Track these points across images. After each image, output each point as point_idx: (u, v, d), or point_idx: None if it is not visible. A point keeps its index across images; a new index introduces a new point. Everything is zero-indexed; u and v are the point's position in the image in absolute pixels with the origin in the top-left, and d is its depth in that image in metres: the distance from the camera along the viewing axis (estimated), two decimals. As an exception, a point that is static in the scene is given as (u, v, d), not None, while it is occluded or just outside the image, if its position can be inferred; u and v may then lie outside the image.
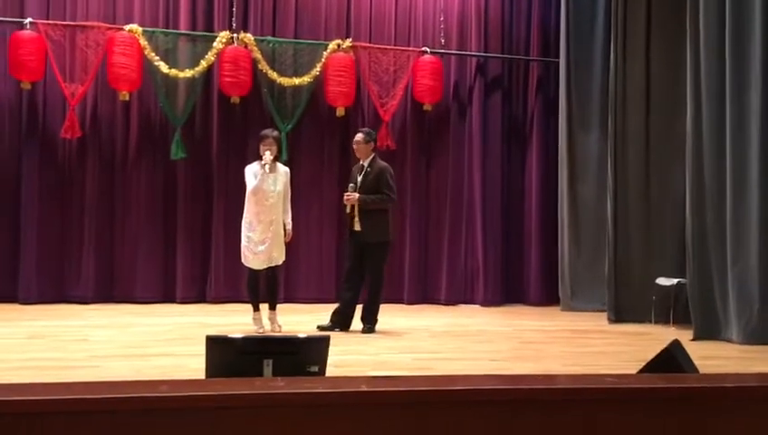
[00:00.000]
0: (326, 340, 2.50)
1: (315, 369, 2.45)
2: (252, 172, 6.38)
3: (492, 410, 1.87)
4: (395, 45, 9.06)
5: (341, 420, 1.81)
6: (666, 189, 7.87)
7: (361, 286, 6.59)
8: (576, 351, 5.98)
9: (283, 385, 1.93)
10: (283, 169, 6.50)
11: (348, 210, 6.51)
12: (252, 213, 6.33)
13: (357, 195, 6.44)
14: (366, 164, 6.59)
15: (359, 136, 6.67)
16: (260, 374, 2.38)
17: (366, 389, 1.87)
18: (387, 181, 6.52)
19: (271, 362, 2.39)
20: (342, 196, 6.64)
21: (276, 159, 6.41)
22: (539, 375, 2.17)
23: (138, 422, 1.72)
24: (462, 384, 1.97)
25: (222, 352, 2.45)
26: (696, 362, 2.57)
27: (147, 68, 8.20)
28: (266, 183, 6.30)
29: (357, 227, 6.48)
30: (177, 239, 8.47)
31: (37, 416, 1.67)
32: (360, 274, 6.55)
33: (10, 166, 8.15)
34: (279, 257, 6.41)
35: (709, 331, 6.64)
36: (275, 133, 6.59)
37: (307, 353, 2.47)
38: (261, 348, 2.46)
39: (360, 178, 6.55)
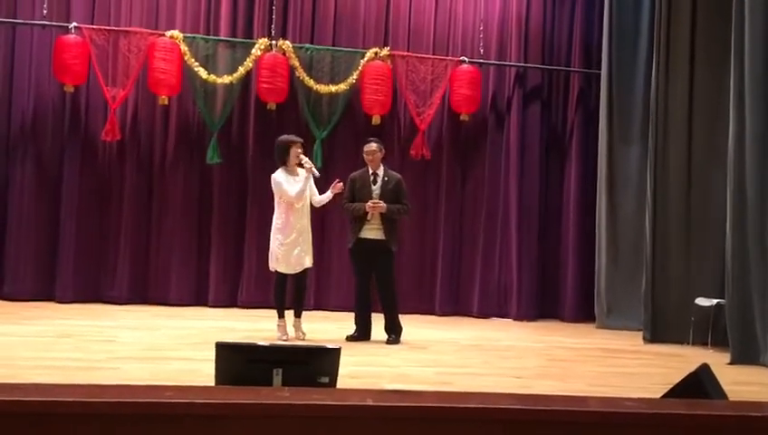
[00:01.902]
0: (337, 351, 2.46)
1: (326, 380, 2.41)
2: (285, 179, 6.38)
3: (504, 430, 1.80)
4: (433, 54, 9.01)
5: (346, 433, 1.76)
6: (707, 207, 7.65)
7: (371, 293, 6.56)
8: (605, 371, 5.82)
9: (288, 395, 1.89)
10: (303, 172, 6.53)
11: (369, 217, 6.46)
12: (288, 217, 6.36)
13: (384, 203, 6.42)
14: (380, 173, 6.58)
15: (374, 146, 6.64)
16: (269, 383, 2.35)
17: (372, 403, 1.82)
18: (405, 192, 6.59)
19: (281, 371, 2.36)
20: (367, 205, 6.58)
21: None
22: (556, 396, 2.09)
23: (138, 428, 1.70)
24: (473, 402, 1.90)
25: (232, 359, 2.42)
26: (731, 388, 2.46)
27: (186, 73, 8.31)
28: (302, 186, 6.36)
29: (371, 235, 6.45)
30: (211, 243, 8.54)
31: (35, 417, 1.66)
32: (370, 281, 6.53)
33: (52, 167, 8.33)
34: (310, 261, 6.46)
35: (747, 355, 6.41)
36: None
37: (318, 364, 2.43)
38: (271, 356, 2.42)
39: (376, 187, 6.52)
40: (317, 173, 6.47)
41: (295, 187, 6.32)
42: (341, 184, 6.58)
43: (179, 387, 1.95)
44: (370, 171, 6.62)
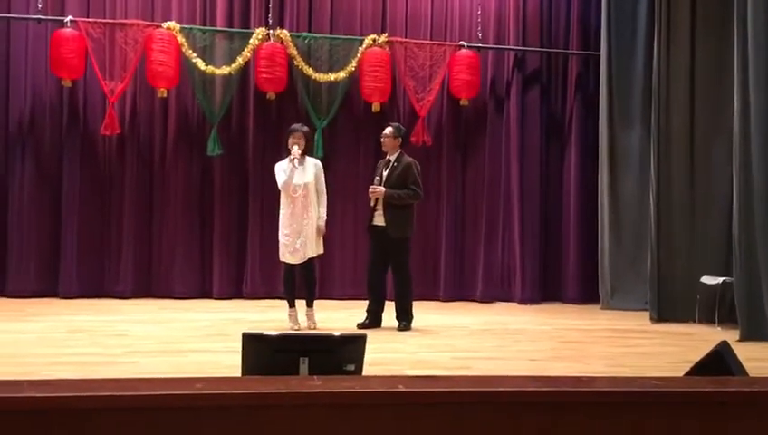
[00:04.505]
0: (363, 338, 2.46)
1: (352, 368, 2.41)
2: (281, 169, 6.39)
3: (535, 412, 1.80)
4: (431, 40, 8.98)
5: (378, 419, 1.76)
6: (711, 185, 7.66)
7: (385, 280, 6.55)
8: (619, 351, 5.85)
9: (319, 384, 1.88)
10: (312, 162, 6.49)
11: (372, 203, 6.45)
12: (286, 208, 6.34)
13: (383, 188, 6.39)
14: (393, 159, 6.55)
15: (388, 130, 6.62)
16: (296, 372, 2.35)
17: (404, 389, 1.82)
18: (414, 177, 6.48)
19: (307, 360, 2.36)
20: (368, 190, 6.56)
21: (305, 153, 6.38)
22: (582, 377, 2.10)
23: (173, 419, 1.70)
24: (503, 385, 1.90)
25: (258, 349, 2.42)
26: (745, 365, 2.47)
27: (184, 65, 8.26)
28: (295, 177, 6.29)
29: (379, 222, 6.43)
30: (213, 235, 8.53)
31: (72, 412, 1.65)
32: (383, 268, 6.51)
33: (51, 162, 8.29)
34: (316, 250, 6.40)
35: (756, 331, 6.45)
36: (305, 128, 6.59)
37: (344, 352, 2.43)
38: (297, 346, 2.42)
39: (386, 173, 6.49)
40: (296, 164, 6.31)
41: (283, 176, 6.29)
42: (323, 231, 6.41)
43: (210, 379, 1.95)
44: (387, 157, 6.62)
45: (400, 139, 6.61)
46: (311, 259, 6.42)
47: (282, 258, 6.44)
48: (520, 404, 1.81)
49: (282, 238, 6.36)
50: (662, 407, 1.84)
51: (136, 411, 1.68)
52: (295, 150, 6.28)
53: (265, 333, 2.43)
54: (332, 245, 8.52)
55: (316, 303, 6.65)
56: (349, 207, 8.75)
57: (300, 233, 6.30)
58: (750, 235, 6.58)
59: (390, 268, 6.52)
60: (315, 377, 2.17)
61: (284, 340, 2.49)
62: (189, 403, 1.71)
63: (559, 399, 1.82)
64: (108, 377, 2.49)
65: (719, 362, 2.50)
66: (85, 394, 1.68)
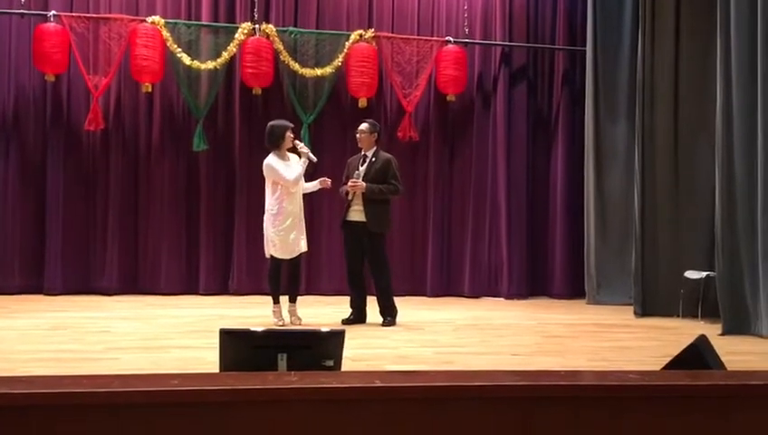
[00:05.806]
0: (341, 334, 2.46)
1: (330, 363, 2.41)
2: (281, 164, 6.33)
3: (511, 406, 1.82)
4: (418, 35, 8.97)
5: (355, 415, 1.77)
6: (695, 181, 7.71)
7: (364, 273, 6.55)
8: (601, 345, 5.88)
9: (296, 380, 1.89)
10: (294, 158, 6.49)
11: (350, 198, 6.45)
12: (283, 203, 6.31)
13: (363, 183, 6.37)
14: (369, 154, 6.52)
15: (363, 126, 6.59)
16: (274, 368, 2.35)
17: (380, 384, 1.83)
18: (394, 172, 6.48)
19: (285, 356, 2.36)
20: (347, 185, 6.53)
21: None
22: (560, 371, 2.11)
23: (147, 416, 1.69)
24: (480, 380, 1.92)
25: (236, 345, 2.42)
26: (725, 358, 2.49)
27: (169, 60, 8.21)
28: (296, 172, 6.34)
29: (356, 217, 6.41)
30: (199, 231, 8.50)
31: (44, 409, 1.65)
32: (361, 262, 6.51)
33: (35, 158, 8.23)
34: (305, 245, 6.46)
35: (739, 325, 6.50)
36: None
37: (322, 347, 2.43)
38: (275, 342, 2.42)
39: (363, 168, 6.45)
40: (314, 158, 6.42)
41: (292, 171, 6.29)
42: (330, 181, 6.55)
43: (186, 375, 1.95)
44: (362, 153, 6.60)
45: (376, 134, 6.60)
46: (300, 254, 6.42)
47: (273, 254, 6.38)
48: (497, 398, 1.82)
49: (276, 234, 6.31)
50: (639, 400, 1.86)
51: (109, 408, 1.67)
52: (304, 145, 6.32)
53: (243, 329, 2.42)
54: (320, 240, 8.52)
55: (304, 298, 6.64)
56: (335, 202, 8.72)
57: (295, 228, 6.32)
58: (732, 229, 6.63)
59: (369, 264, 6.51)
60: (292, 373, 2.17)
61: (262, 336, 2.48)
62: (164, 400, 1.71)
63: (537, 392, 1.84)
64: (84, 374, 2.48)
65: (696, 355, 2.52)
66: (57, 391, 1.67)
